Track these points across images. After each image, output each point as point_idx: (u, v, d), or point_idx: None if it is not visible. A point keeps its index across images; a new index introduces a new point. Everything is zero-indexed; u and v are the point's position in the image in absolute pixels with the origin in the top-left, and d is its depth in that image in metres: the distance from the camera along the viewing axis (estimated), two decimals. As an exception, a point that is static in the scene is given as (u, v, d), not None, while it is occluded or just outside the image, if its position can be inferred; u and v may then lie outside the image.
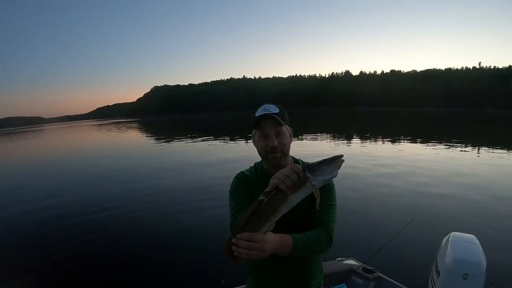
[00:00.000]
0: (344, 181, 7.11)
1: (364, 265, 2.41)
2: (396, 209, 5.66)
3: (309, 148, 13.90)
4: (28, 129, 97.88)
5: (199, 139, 21.51)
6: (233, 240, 0.93)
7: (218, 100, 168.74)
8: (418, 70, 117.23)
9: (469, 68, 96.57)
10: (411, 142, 15.98)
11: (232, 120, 52.70)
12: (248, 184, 1.29)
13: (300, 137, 18.91)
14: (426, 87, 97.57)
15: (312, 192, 0.96)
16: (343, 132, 23.50)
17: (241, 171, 1.37)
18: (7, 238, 5.30)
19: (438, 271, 1.77)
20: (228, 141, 19.24)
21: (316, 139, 18.14)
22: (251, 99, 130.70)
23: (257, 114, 1.22)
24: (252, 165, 1.39)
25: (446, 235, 1.90)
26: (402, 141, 16.71)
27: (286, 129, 1.25)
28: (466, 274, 1.69)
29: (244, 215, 0.96)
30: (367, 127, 29.73)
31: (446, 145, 14.09)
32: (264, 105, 1.25)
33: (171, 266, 3.95)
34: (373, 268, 2.36)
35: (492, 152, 12.20)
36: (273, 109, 1.23)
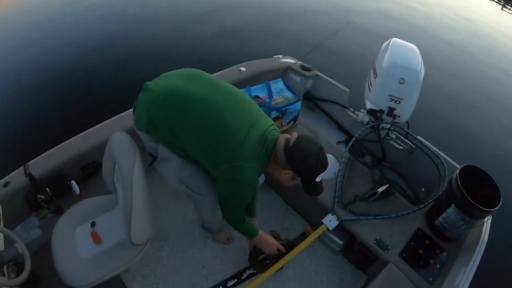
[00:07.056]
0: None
1: (301, 62, 2.34)
2: (336, 9, 5.18)
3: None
4: None
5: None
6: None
7: None
8: None
9: None
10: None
11: None
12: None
13: None
14: None
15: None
16: None
17: (252, 177, 1.17)
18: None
19: (376, 73, 1.79)
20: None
21: None
22: None
23: (317, 180, 1.19)
24: (253, 163, 1.16)
25: (387, 40, 1.88)
26: None
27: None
28: (402, 78, 1.72)
29: None
30: None
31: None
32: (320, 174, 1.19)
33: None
34: (310, 66, 2.31)
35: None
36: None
